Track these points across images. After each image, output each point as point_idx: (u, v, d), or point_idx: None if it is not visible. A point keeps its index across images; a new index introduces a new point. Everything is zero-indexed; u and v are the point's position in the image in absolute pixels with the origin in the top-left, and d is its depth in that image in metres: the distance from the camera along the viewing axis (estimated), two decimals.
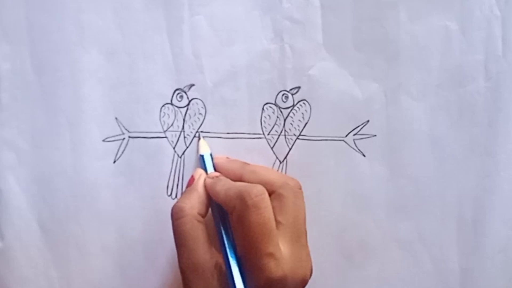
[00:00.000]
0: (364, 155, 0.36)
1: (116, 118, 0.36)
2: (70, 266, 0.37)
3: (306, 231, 0.31)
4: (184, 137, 0.36)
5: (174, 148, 0.36)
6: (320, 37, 0.35)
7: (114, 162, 0.36)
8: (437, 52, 0.35)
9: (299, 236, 0.31)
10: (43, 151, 0.36)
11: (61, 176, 0.36)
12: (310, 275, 0.31)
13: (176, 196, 0.36)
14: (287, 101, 0.36)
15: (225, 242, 0.30)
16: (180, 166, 0.36)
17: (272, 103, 0.36)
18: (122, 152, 0.36)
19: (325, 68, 0.35)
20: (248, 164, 0.34)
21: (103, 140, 0.36)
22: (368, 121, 0.36)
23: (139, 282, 0.37)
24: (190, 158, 0.36)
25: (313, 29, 0.35)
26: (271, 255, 0.28)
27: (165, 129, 0.36)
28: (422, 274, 0.36)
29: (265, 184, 0.30)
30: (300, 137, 0.36)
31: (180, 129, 0.36)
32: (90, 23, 0.35)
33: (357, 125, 0.36)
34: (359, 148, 0.36)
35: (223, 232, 0.31)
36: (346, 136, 0.36)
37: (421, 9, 0.35)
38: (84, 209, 0.36)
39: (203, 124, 0.36)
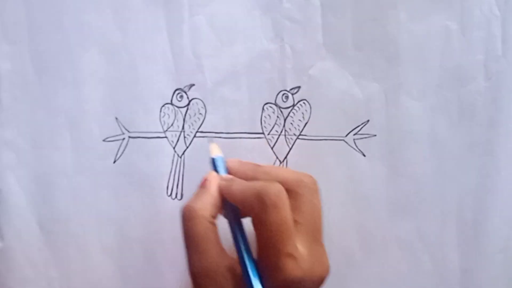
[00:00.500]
0: (364, 155, 0.36)
1: (116, 118, 0.36)
2: (70, 266, 0.37)
3: (322, 229, 0.31)
4: (184, 137, 0.36)
5: (174, 148, 0.36)
6: (320, 37, 0.35)
7: (114, 162, 0.36)
8: (437, 52, 0.35)
9: (315, 234, 0.30)
10: (43, 151, 0.36)
11: (61, 176, 0.36)
12: (328, 273, 0.31)
13: (176, 196, 0.36)
14: (287, 101, 0.36)
15: (241, 244, 0.30)
16: (180, 166, 0.36)
17: (272, 103, 0.36)
18: (122, 152, 0.36)
19: (325, 68, 0.35)
20: (260, 165, 0.34)
21: (103, 140, 0.36)
22: (368, 121, 0.36)
23: (139, 282, 0.37)
24: (190, 158, 0.36)
25: (313, 29, 0.35)
26: (289, 255, 0.28)
27: (165, 129, 0.36)
28: (422, 274, 0.36)
29: (280, 183, 0.29)
30: (300, 137, 0.36)
31: (180, 129, 0.36)
32: (90, 23, 0.35)
33: (357, 125, 0.36)
34: (359, 148, 0.36)
35: (239, 234, 0.30)
36: (346, 136, 0.36)
37: (421, 9, 0.35)
38: (84, 209, 0.36)
39: (203, 124, 0.36)
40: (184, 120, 0.36)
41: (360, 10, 0.35)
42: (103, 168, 0.36)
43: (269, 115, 0.36)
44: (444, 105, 0.35)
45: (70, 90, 0.36)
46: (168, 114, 0.36)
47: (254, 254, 0.29)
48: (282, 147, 0.36)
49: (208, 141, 0.35)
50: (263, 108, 0.36)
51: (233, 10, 0.35)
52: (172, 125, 0.36)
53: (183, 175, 0.36)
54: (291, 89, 0.36)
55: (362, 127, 0.36)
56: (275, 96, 0.36)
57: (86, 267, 0.37)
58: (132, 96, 0.36)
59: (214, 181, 0.32)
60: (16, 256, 0.36)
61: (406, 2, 0.34)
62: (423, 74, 0.35)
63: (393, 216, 0.36)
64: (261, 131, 0.36)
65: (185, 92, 0.36)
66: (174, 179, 0.36)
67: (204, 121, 0.36)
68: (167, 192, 0.36)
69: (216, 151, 0.33)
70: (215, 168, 0.32)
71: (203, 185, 0.32)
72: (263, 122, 0.36)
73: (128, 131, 0.36)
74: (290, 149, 0.36)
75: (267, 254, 0.28)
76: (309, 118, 0.36)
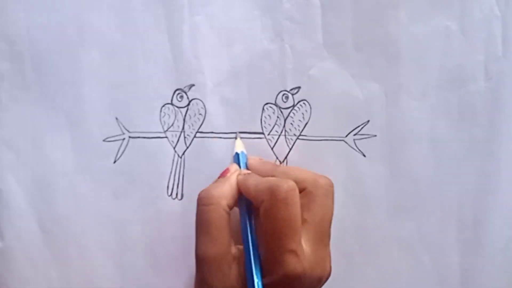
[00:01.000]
0: (364, 155, 0.36)
1: (117, 118, 0.36)
2: (70, 266, 0.37)
3: (330, 232, 0.31)
4: (185, 137, 0.36)
5: (174, 148, 0.36)
6: (320, 37, 0.35)
7: (114, 162, 0.36)
8: (437, 52, 0.35)
9: (322, 236, 0.31)
10: (43, 151, 0.36)
11: (61, 176, 0.36)
12: (328, 275, 0.31)
13: (176, 196, 0.36)
14: (287, 101, 0.36)
15: (249, 236, 0.30)
16: (180, 166, 0.36)
17: (272, 103, 0.36)
18: (122, 152, 0.36)
19: (325, 68, 0.35)
20: (279, 165, 0.35)
21: (103, 140, 0.36)
22: (368, 121, 0.36)
23: (139, 282, 0.37)
24: (190, 158, 0.36)
25: (313, 29, 0.35)
26: (292, 251, 0.28)
27: (165, 129, 0.36)
28: (422, 274, 0.36)
29: (296, 182, 0.30)
30: (300, 137, 0.36)
31: (180, 129, 0.36)
32: (90, 23, 0.35)
33: (357, 125, 0.36)
34: (359, 148, 0.36)
35: (248, 226, 0.31)
36: (346, 136, 0.36)
37: (422, 9, 0.35)
38: (84, 209, 0.36)
39: (203, 124, 0.36)
40: (184, 120, 0.36)
41: (360, 10, 0.35)
42: (103, 168, 0.36)
43: (269, 115, 0.36)
44: (444, 105, 0.35)
45: (70, 90, 0.36)
46: (168, 114, 0.36)
47: (260, 250, 0.30)
48: (282, 148, 0.36)
49: (236, 136, 0.36)
50: (263, 108, 0.36)
51: (233, 10, 0.35)
52: (172, 125, 0.36)
53: (183, 175, 0.36)
54: (291, 89, 0.36)
55: (362, 127, 0.36)
56: (275, 96, 0.36)
57: (86, 267, 0.37)
58: (132, 96, 0.36)
59: (235, 173, 0.33)
60: (16, 256, 0.36)
61: (406, 3, 0.34)
62: (423, 74, 0.35)
63: (393, 216, 0.36)
64: (261, 131, 0.36)
65: (185, 92, 0.36)
66: (174, 179, 0.36)
67: (204, 121, 0.36)
68: (167, 192, 0.36)
69: (240, 147, 0.35)
70: (237, 162, 0.34)
71: (224, 174, 0.33)
72: (263, 122, 0.36)
73: (128, 131, 0.36)
74: (290, 149, 0.36)
75: (271, 248, 0.29)
76: (309, 118, 0.36)
